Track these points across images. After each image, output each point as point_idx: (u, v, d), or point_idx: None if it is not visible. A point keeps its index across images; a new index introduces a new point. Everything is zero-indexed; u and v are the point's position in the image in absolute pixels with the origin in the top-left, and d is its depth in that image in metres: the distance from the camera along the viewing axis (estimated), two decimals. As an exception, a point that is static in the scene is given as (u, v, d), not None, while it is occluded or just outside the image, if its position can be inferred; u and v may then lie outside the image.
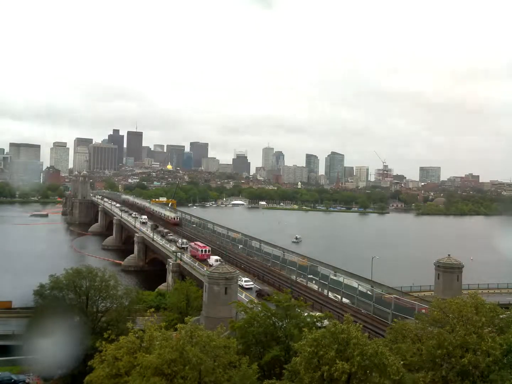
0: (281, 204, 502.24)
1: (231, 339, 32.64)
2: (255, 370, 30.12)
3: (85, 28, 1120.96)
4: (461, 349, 28.69)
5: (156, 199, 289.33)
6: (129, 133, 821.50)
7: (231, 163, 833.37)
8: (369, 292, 59.87)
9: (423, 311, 45.02)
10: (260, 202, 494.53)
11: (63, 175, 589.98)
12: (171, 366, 27.53)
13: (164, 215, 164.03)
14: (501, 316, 33.63)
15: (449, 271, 68.87)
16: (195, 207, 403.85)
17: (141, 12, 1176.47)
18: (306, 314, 40.51)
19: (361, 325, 29.43)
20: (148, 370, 27.58)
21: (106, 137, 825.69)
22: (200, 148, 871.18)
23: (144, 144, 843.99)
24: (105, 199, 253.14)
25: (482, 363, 27.73)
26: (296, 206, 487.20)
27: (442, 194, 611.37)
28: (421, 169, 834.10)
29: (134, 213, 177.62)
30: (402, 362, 27.99)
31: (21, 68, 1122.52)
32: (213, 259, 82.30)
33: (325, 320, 40.90)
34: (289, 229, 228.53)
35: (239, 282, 66.01)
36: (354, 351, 25.20)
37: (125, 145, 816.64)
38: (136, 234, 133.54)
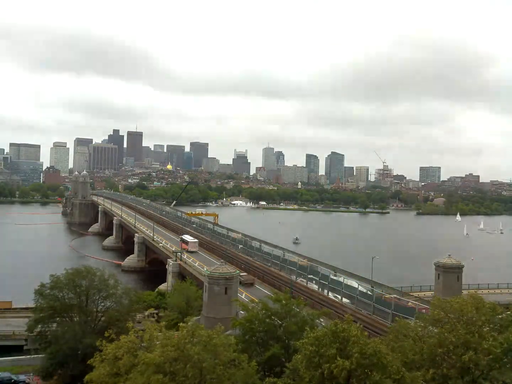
0: (281, 204, 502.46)
1: (230, 337, 32.69)
2: (254, 367, 30.22)
3: (88, 26, 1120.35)
4: (462, 348, 28.72)
5: (193, 212, 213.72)
6: (129, 133, 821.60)
7: (231, 163, 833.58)
8: (369, 292, 59.68)
9: (424, 311, 44.91)
10: (260, 202, 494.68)
11: (63, 175, 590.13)
12: (173, 365, 27.57)
13: None
14: (499, 316, 33.60)
15: (449, 271, 68.84)
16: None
17: (142, 15, 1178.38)
18: (305, 313, 40.60)
19: (361, 325, 29.45)
20: (149, 368, 27.59)
21: (106, 137, 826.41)
22: (200, 148, 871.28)
23: (144, 144, 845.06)
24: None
25: (482, 361, 27.77)
26: (296, 206, 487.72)
27: (442, 194, 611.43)
28: (421, 169, 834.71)
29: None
30: (403, 360, 28.01)
31: (22, 67, 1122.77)
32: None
33: (321, 319, 41.08)
34: (290, 230, 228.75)
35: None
36: (353, 349, 25.26)
37: (125, 145, 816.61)
38: (136, 234, 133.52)
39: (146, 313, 67.53)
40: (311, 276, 69.01)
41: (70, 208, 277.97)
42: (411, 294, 73.45)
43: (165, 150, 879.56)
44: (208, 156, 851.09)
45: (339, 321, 28.28)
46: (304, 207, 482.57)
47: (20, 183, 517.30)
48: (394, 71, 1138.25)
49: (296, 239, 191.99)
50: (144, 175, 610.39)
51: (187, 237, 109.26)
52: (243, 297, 61.34)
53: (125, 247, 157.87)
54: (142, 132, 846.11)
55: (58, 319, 51.10)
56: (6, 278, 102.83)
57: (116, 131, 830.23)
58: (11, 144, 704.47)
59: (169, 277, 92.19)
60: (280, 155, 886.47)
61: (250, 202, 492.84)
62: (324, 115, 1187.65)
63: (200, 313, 56.66)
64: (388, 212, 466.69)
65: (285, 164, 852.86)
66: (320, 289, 66.75)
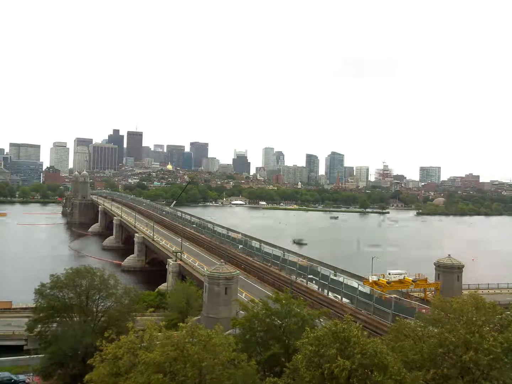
0: (281, 204, 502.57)
1: (229, 336, 32.69)
2: (254, 366, 30.16)
3: (88, 28, 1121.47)
4: (463, 348, 28.72)
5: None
6: (129, 133, 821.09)
7: (231, 163, 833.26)
8: (369, 292, 59.69)
9: (424, 311, 44.87)
10: (260, 202, 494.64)
11: (63, 175, 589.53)
12: (173, 365, 27.58)
13: None
14: (499, 316, 33.58)
15: (449, 271, 68.87)
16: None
17: (142, 16, 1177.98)
18: (305, 312, 40.61)
19: (361, 325, 29.44)
20: (149, 368, 27.60)
21: (106, 137, 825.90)
22: (200, 148, 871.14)
23: (144, 144, 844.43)
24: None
25: (483, 361, 27.76)
26: (296, 206, 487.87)
27: (442, 194, 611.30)
28: (421, 169, 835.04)
29: None
30: (404, 360, 28.01)
31: (22, 67, 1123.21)
32: None
33: (321, 319, 41.09)
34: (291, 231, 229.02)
35: None
36: (354, 349, 25.24)
37: (125, 145, 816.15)
38: (136, 234, 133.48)
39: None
40: (311, 276, 69.02)
41: (70, 208, 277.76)
42: (411, 294, 73.42)
43: (165, 150, 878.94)
44: (208, 156, 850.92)
45: (339, 321, 28.28)
46: (304, 207, 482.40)
47: (20, 183, 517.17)
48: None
49: (300, 240, 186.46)
50: (144, 175, 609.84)
51: None
52: (243, 297, 61.33)
53: (125, 247, 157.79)
54: (142, 132, 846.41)
55: (58, 319, 51.01)
56: (6, 278, 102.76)
57: (116, 131, 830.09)
58: (11, 144, 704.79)
59: (169, 277, 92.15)
60: (280, 155, 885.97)
61: (249, 202, 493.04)
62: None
63: (200, 313, 56.66)
64: (388, 212, 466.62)
65: (285, 164, 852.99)
66: (320, 289, 66.73)
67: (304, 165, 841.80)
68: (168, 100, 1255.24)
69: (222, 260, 61.66)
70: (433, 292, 70.19)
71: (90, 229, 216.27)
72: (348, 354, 25.35)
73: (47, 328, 50.58)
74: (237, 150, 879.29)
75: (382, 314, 52.78)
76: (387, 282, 68.66)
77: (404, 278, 70.91)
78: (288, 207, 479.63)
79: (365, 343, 25.59)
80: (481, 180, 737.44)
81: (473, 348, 28.34)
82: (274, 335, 37.95)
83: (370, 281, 68.48)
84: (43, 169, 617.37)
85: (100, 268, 58.34)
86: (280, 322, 38.70)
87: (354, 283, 64.45)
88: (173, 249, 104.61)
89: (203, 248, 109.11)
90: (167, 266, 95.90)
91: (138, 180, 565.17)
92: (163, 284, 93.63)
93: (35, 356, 54.49)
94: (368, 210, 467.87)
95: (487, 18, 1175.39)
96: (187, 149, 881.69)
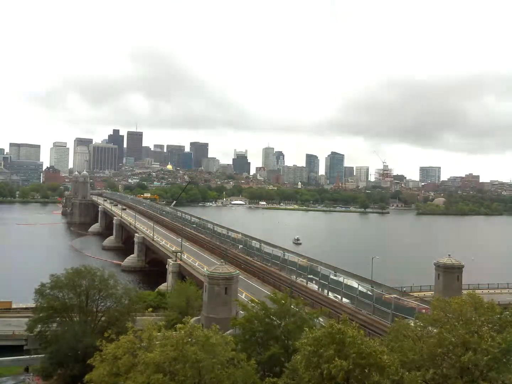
0: (281, 204, 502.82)
1: (227, 336, 32.71)
2: (253, 365, 30.19)
3: (84, 25, 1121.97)
4: (462, 348, 28.74)
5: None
6: (129, 133, 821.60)
7: (231, 163, 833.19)
8: (369, 292, 59.71)
9: (424, 311, 44.90)
10: (260, 202, 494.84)
11: (63, 175, 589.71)
12: (172, 365, 27.61)
13: None
14: (498, 316, 33.60)
15: (449, 271, 68.83)
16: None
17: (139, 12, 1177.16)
18: (303, 312, 40.70)
19: (357, 324, 29.49)
20: (149, 368, 27.64)
21: (106, 137, 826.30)
22: (200, 148, 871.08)
23: (144, 144, 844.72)
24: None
25: (481, 361, 27.78)
26: (296, 206, 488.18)
27: (442, 194, 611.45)
28: (421, 169, 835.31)
29: None
30: (403, 360, 28.04)
31: (21, 67, 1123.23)
32: None
33: (321, 319, 41.14)
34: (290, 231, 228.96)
35: None
36: (350, 350, 25.30)
37: (125, 145, 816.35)
38: (136, 234, 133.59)
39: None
40: (311, 276, 69.07)
41: (70, 208, 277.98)
42: (411, 294, 73.43)
43: (165, 150, 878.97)
44: (208, 156, 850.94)
45: (335, 321, 28.33)
46: (304, 207, 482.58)
47: (20, 183, 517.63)
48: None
49: (297, 239, 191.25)
50: (144, 175, 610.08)
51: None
52: (243, 297, 61.35)
53: (125, 247, 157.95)
54: (142, 132, 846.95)
55: (58, 319, 51.13)
56: (6, 278, 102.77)
57: (116, 131, 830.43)
58: (11, 144, 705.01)
59: (169, 277, 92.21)
60: (280, 155, 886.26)
61: (249, 202, 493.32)
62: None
63: (200, 313, 56.69)
64: (388, 212, 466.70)
65: (285, 164, 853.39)
66: (320, 289, 66.78)
67: (304, 165, 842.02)
68: (167, 100, 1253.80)
69: (222, 260, 61.65)
70: None
71: (90, 229, 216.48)
72: (346, 354, 25.41)
73: (47, 328, 50.68)
74: (237, 150, 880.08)
75: (382, 314, 52.82)
76: None
77: None
78: (288, 207, 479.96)
79: (360, 343, 25.64)
80: (481, 180, 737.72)
81: (472, 349, 28.37)
82: (274, 335, 37.99)
83: None
84: (43, 169, 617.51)
85: (100, 268, 58.43)
86: (279, 322, 38.76)
87: (354, 283, 64.48)
88: (173, 249, 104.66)
89: (203, 248, 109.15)
90: (167, 266, 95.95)
91: (138, 180, 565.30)
92: (163, 284, 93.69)
93: (35, 356, 54.54)
94: (368, 210, 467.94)
95: None
96: (187, 149, 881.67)
